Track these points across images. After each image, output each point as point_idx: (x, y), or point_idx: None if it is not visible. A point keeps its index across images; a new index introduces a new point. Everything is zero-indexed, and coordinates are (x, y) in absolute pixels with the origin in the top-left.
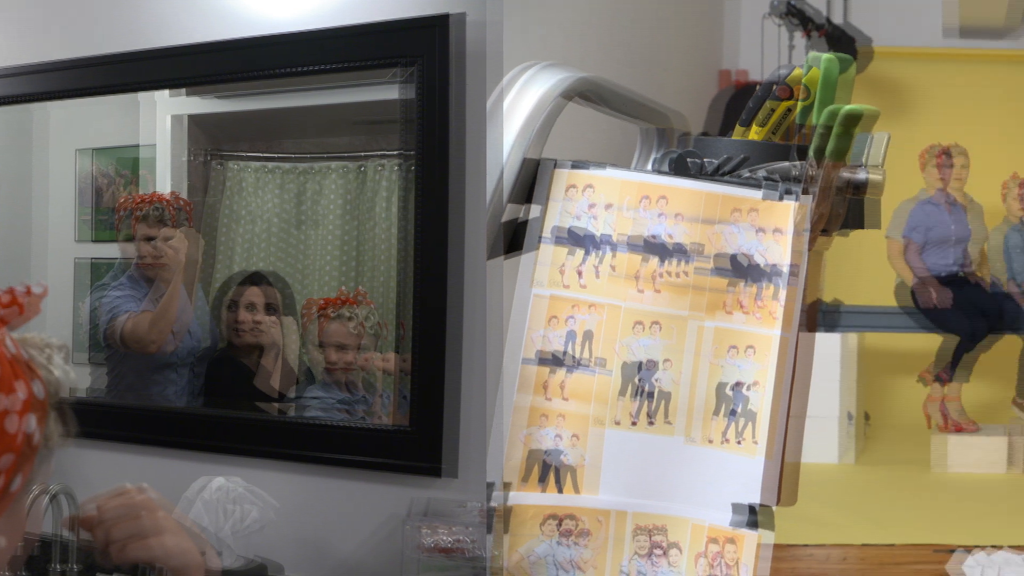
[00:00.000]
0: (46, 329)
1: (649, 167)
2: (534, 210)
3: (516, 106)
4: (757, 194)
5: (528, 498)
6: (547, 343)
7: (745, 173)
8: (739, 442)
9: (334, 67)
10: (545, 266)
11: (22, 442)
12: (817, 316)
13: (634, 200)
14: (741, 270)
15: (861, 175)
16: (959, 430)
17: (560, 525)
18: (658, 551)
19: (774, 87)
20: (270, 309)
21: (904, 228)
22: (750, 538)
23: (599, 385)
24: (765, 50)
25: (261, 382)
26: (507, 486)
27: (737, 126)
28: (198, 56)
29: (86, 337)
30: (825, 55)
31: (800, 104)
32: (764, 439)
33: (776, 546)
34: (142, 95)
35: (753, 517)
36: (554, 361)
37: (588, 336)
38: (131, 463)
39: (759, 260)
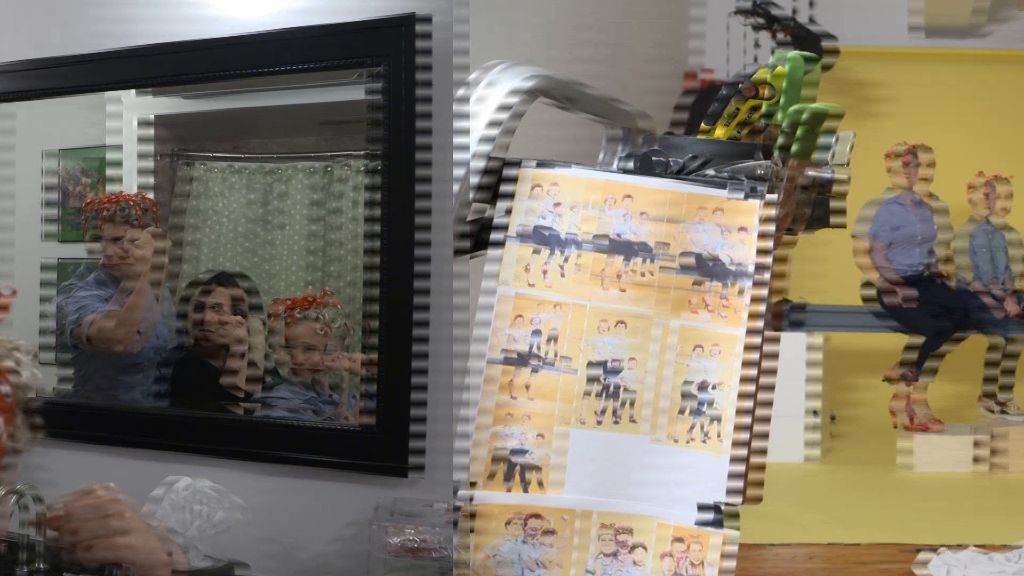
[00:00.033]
0: (13, 330)
1: (614, 166)
2: (499, 209)
3: (481, 106)
4: (722, 193)
5: (493, 497)
6: (512, 342)
7: (710, 172)
8: (704, 441)
9: (301, 67)
10: (510, 265)
11: None
12: (782, 315)
13: (599, 199)
14: (706, 269)
15: (826, 174)
16: (925, 429)
17: (525, 524)
18: (623, 550)
19: (739, 86)
20: (236, 309)
21: (870, 227)
22: (715, 537)
23: (564, 384)
24: (731, 50)
25: (227, 382)
26: (473, 485)
27: (702, 125)
28: (164, 56)
29: (53, 337)
30: (790, 54)
31: (765, 103)
32: (729, 438)
33: (741, 545)
34: (108, 95)
35: (718, 516)
36: (519, 360)
37: (553, 335)
38: (97, 463)
39: (724, 259)
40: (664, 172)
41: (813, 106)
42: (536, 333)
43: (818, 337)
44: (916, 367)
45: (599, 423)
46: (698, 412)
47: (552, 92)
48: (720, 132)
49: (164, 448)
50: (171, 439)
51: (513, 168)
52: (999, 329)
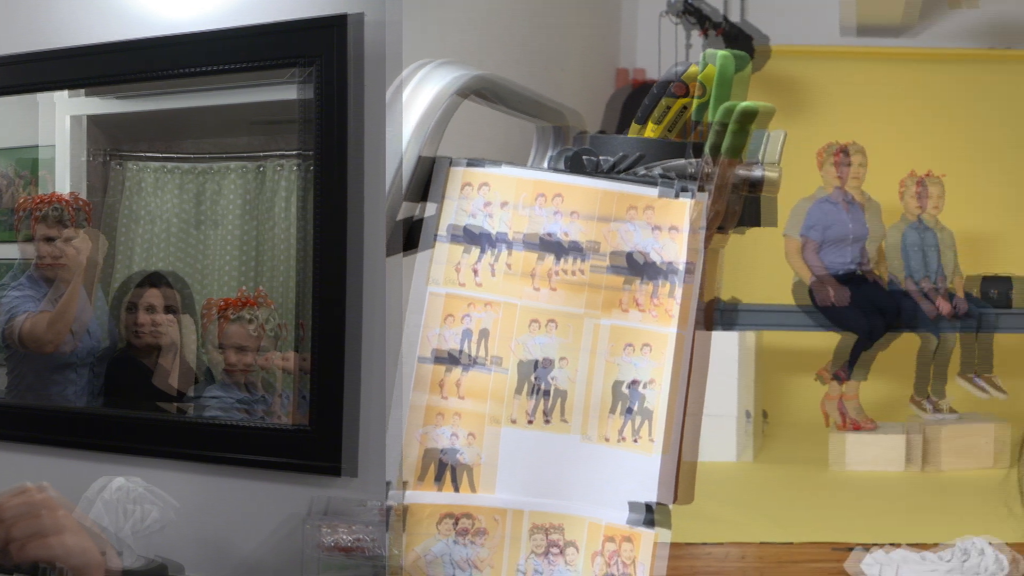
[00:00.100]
0: None
1: (545, 165)
2: (430, 208)
3: (411, 105)
4: (653, 192)
5: (424, 497)
6: (443, 341)
7: (641, 171)
8: (635, 440)
9: (233, 67)
10: (441, 264)
11: None
12: (714, 314)
13: (530, 198)
14: (637, 268)
15: (757, 172)
16: (857, 428)
17: (456, 524)
18: (555, 550)
19: (670, 84)
20: (169, 310)
21: (802, 226)
22: (647, 537)
23: (495, 383)
24: (662, 49)
25: (160, 381)
26: (404, 485)
27: (633, 124)
28: (97, 57)
29: None
30: (721, 52)
31: (696, 101)
32: (661, 437)
33: (674, 544)
34: (41, 96)
35: (650, 516)
36: (450, 360)
37: (484, 334)
38: (30, 463)
39: (655, 258)
40: (595, 171)
41: (743, 104)
42: (467, 332)
43: (750, 336)
44: (848, 366)
45: (530, 422)
46: (629, 411)
47: (482, 91)
48: (651, 131)
49: (97, 448)
50: (104, 439)
51: (443, 168)
52: (931, 328)
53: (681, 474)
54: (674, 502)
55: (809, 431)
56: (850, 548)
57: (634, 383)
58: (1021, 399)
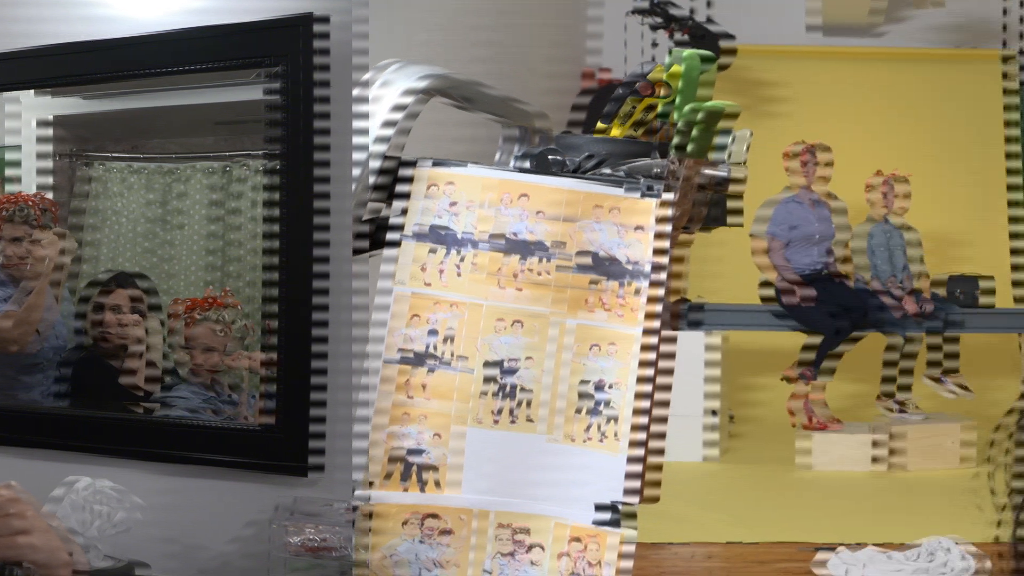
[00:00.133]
0: None
1: (511, 165)
2: (395, 208)
3: (376, 105)
4: (619, 191)
5: (390, 497)
6: (409, 341)
7: (607, 171)
8: (601, 440)
9: (199, 67)
10: (406, 264)
11: None
12: (680, 314)
13: (495, 198)
14: (603, 268)
15: (723, 172)
16: (823, 428)
17: (422, 524)
18: (521, 550)
19: (635, 84)
20: (136, 310)
21: (768, 226)
22: (613, 537)
23: (461, 383)
24: (628, 49)
25: (126, 381)
26: (370, 485)
27: (599, 123)
28: (63, 57)
29: None
30: (686, 51)
31: (661, 101)
32: (627, 437)
33: (640, 544)
34: (7, 96)
35: (616, 515)
36: (416, 359)
37: (450, 334)
38: None
39: (621, 258)
40: (560, 171)
41: (709, 104)
42: (432, 332)
43: (716, 336)
44: (814, 366)
45: (496, 422)
46: (595, 411)
47: (448, 91)
48: (616, 130)
49: (64, 448)
50: (71, 439)
51: (409, 167)
52: (897, 328)
53: (647, 474)
54: (640, 502)
55: (775, 431)
56: (816, 548)
57: (600, 383)
58: (987, 399)
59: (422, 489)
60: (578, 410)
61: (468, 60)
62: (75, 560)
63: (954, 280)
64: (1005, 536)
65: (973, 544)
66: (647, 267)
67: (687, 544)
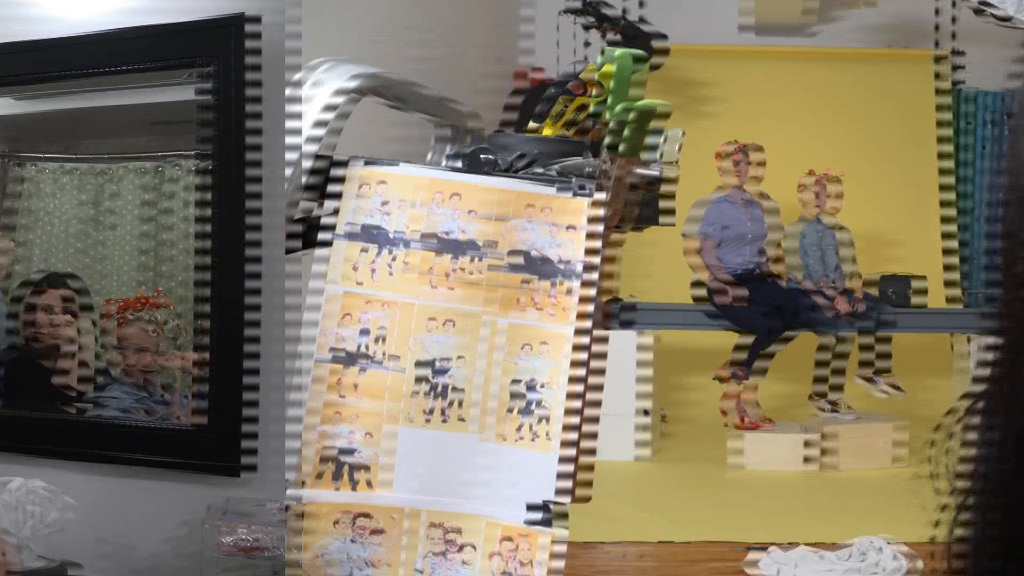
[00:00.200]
0: None
1: (443, 164)
2: (327, 207)
3: (309, 104)
4: (550, 190)
5: (322, 496)
6: (340, 340)
7: (539, 170)
8: (533, 439)
9: (131, 67)
10: (338, 263)
11: None
12: (612, 314)
13: (427, 197)
14: (535, 267)
15: (654, 171)
16: (755, 428)
17: (354, 523)
18: (452, 549)
19: (567, 83)
20: (67, 310)
21: (700, 225)
22: (544, 536)
23: (393, 382)
24: (561, 48)
25: (59, 381)
26: (302, 484)
27: (531, 122)
28: None
29: None
30: (618, 50)
31: (593, 100)
32: (558, 437)
33: (572, 543)
34: None
35: (547, 515)
36: (348, 358)
37: (382, 333)
38: None
39: (553, 257)
40: (492, 170)
41: (641, 103)
42: (364, 331)
43: (648, 335)
44: (747, 365)
45: (427, 421)
46: (527, 410)
47: (380, 90)
48: (549, 129)
49: None
50: (3, 440)
51: (341, 166)
52: (829, 327)
53: (579, 473)
54: (572, 501)
55: (707, 430)
56: (748, 547)
57: (532, 382)
58: (919, 399)
59: (354, 488)
60: (510, 409)
61: (401, 59)
62: (8, 561)
63: (886, 280)
64: (943, 535)
65: (905, 544)
66: (579, 266)
67: (619, 543)
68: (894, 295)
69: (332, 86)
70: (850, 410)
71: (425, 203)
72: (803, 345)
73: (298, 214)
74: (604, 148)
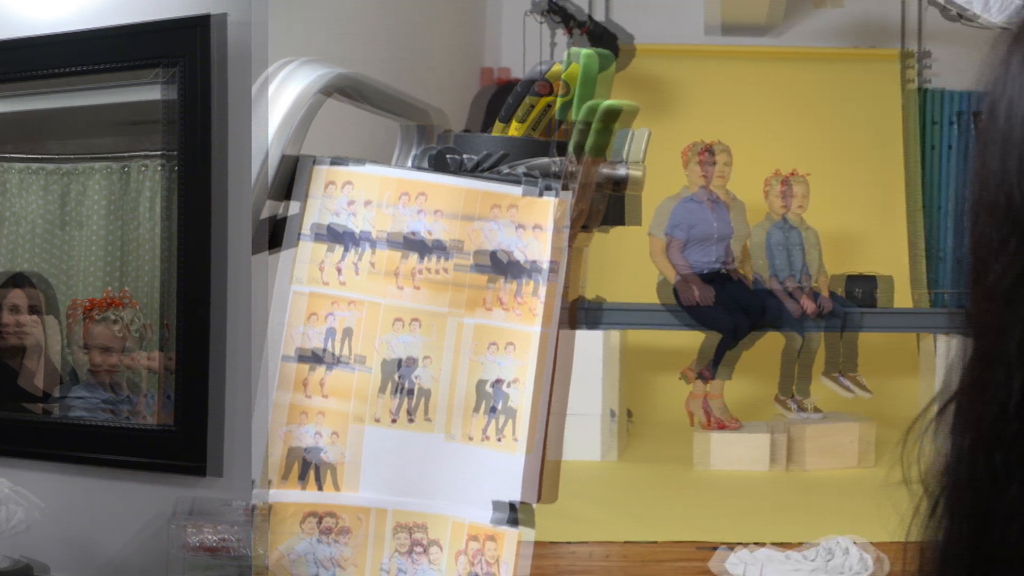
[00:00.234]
0: None
1: (409, 164)
2: (294, 207)
3: (275, 104)
4: (517, 190)
5: (288, 496)
6: (307, 340)
7: (505, 169)
8: (499, 439)
9: (97, 68)
10: (304, 263)
11: None
12: (578, 314)
13: (393, 196)
14: (501, 267)
15: (621, 171)
16: (722, 427)
17: (320, 523)
18: (419, 548)
19: (534, 83)
20: (33, 310)
21: (666, 225)
22: (510, 536)
23: (359, 382)
24: (527, 48)
25: (25, 382)
26: (268, 484)
27: (497, 122)
28: None
29: None
30: (584, 50)
31: (560, 100)
32: (524, 437)
33: (538, 543)
34: None
35: (513, 515)
36: (314, 358)
37: (348, 333)
38: None
39: (519, 257)
40: (458, 169)
41: (607, 103)
42: (330, 331)
43: (615, 335)
44: (713, 365)
45: (394, 421)
46: (493, 410)
47: (346, 89)
48: (515, 129)
49: None
50: None
51: (307, 166)
52: (796, 327)
53: (545, 473)
54: (538, 501)
55: (674, 430)
56: (714, 547)
57: (498, 382)
58: (885, 398)
59: (320, 488)
60: (476, 409)
61: (367, 59)
62: None
63: (852, 279)
64: (914, 536)
65: (871, 543)
66: (545, 266)
67: (585, 543)
68: (860, 295)
69: (298, 86)
70: (816, 410)
71: (391, 203)
72: (769, 345)
73: (264, 214)
74: (570, 148)
